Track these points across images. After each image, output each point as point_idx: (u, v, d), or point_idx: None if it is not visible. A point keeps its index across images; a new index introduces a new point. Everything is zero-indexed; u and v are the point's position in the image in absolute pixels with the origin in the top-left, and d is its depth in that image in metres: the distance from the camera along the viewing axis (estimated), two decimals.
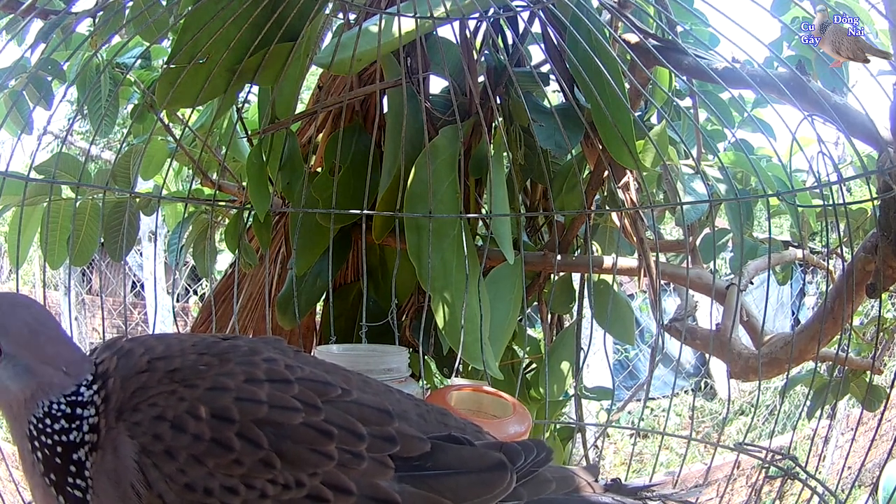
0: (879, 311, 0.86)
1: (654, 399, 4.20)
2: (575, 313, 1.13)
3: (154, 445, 0.38)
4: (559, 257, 1.00)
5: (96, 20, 0.92)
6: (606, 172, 0.96)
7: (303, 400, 0.42)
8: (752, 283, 1.20)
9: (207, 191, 1.17)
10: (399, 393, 0.50)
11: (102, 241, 0.97)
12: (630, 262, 1.05)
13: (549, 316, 1.17)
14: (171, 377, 0.41)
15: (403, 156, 0.87)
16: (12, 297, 0.43)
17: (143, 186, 1.28)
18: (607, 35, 0.86)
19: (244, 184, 0.95)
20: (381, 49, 0.81)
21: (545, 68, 1.04)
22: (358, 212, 0.88)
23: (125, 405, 0.40)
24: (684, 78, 1.01)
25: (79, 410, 0.41)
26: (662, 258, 1.24)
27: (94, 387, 0.42)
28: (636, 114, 0.87)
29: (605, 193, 1.03)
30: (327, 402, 0.43)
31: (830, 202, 0.75)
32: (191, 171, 1.12)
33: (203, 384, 0.41)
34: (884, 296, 0.96)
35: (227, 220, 1.05)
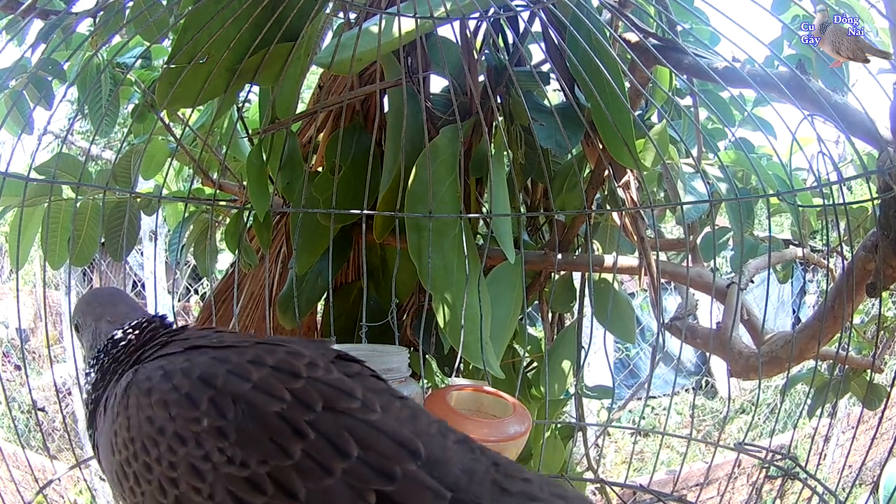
0: (880, 310, 0.86)
1: (654, 398, 4.19)
2: (575, 312, 1.13)
3: (143, 383, 0.42)
4: (560, 256, 1.00)
5: (96, 20, 0.92)
6: (607, 172, 0.96)
7: (298, 396, 0.39)
8: (752, 281, 1.20)
9: (208, 190, 1.17)
10: (461, 445, 0.41)
11: (103, 241, 0.97)
12: (631, 260, 1.05)
13: (550, 315, 1.17)
14: (188, 346, 0.46)
15: (404, 155, 0.87)
16: (87, 294, 0.59)
17: (144, 186, 1.28)
18: (607, 35, 0.86)
19: (245, 183, 0.95)
20: (382, 49, 0.81)
21: (545, 68, 1.04)
22: (358, 211, 0.88)
23: (141, 358, 0.47)
24: (684, 77, 1.01)
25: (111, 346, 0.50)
26: (663, 257, 1.24)
27: (130, 330, 0.51)
28: (636, 113, 0.87)
29: (606, 192, 1.03)
30: (330, 409, 0.39)
31: (831, 201, 0.75)
32: (191, 171, 1.12)
33: (210, 353, 0.43)
34: (884, 294, 0.96)
35: (227, 220, 1.05)
